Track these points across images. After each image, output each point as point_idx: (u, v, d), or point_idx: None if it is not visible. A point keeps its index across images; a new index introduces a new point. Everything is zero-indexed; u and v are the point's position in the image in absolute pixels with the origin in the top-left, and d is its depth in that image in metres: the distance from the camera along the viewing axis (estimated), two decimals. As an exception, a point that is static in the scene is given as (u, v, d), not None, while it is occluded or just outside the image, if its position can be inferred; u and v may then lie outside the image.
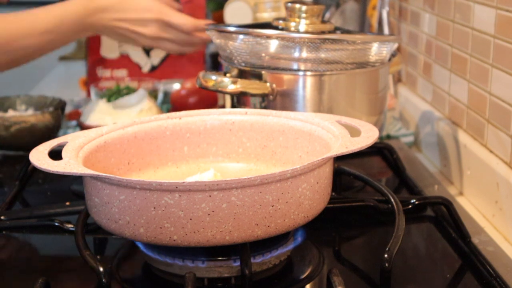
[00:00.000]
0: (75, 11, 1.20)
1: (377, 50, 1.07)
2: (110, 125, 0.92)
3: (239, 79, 1.04)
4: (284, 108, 1.04)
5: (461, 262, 0.88)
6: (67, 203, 1.01)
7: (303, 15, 1.08)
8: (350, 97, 1.06)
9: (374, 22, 1.52)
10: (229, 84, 1.04)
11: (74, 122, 1.46)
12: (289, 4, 1.09)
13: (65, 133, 1.36)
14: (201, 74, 1.06)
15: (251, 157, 0.97)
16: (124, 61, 1.69)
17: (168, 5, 1.30)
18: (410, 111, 1.43)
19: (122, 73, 1.68)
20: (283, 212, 0.77)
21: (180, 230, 0.75)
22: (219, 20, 1.76)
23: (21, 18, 1.20)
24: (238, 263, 0.80)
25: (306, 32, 1.06)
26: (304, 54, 1.03)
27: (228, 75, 1.07)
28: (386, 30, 1.49)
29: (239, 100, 1.09)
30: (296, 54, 1.04)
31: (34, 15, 1.22)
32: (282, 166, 0.94)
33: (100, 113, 1.34)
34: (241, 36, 1.06)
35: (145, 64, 1.69)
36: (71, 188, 1.10)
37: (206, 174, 0.89)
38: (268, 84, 1.04)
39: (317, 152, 0.90)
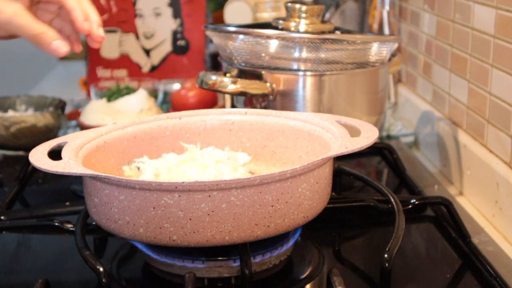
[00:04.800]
0: None
1: (377, 50, 1.07)
2: (110, 125, 0.92)
3: (239, 79, 1.04)
4: (284, 108, 1.04)
5: (461, 262, 0.88)
6: (67, 203, 1.01)
7: (303, 15, 1.08)
8: (350, 97, 1.06)
9: (374, 22, 1.52)
10: (229, 84, 1.04)
11: (74, 122, 1.46)
12: (289, 4, 1.09)
13: (65, 133, 1.36)
14: (201, 74, 1.06)
15: (251, 157, 0.97)
16: (124, 61, 1.69)
17: None
18: (410, 111, 1.43)
19: (122, 73, 1.69)
20: (282, 212, 0.77)
21: (179, 230, 0.75)
22: (219, 20, 1.76)
23: None
24: (238, 263, 0.80)
25: (306, 32, 1.06)
26: (304, 54, 1.03)
27: (228, 75, 1.07)
28: (386, 30, 1.49)
29: (239, 100, 1.09)
30: (296, 54, 1.04)
31: None
32: (282, 166, 0.94)
33: (100, 113, 1.34)
34: (241, 36, 1.06)
35: (145, 64, 1.70)
36: (71, 188, 1.10)
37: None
38: (268, 84, 1.04)
39: (317, 152, 0.90)
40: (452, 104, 1.23)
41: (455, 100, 1.21)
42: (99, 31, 0.91)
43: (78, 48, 0.94)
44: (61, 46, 0.89)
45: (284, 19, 1.09)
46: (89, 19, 0.91)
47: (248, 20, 1.46)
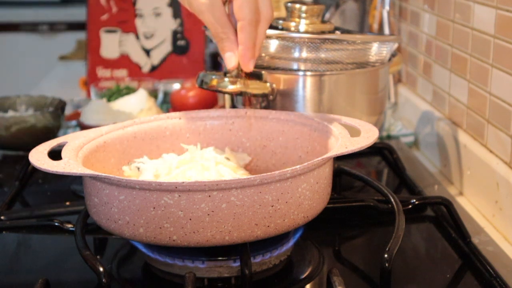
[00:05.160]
0: None
1: (377, 50, 1.07)
2: (110, 125, 0.92)
3: (239, 79, 1.04)
4: (284, 108, 1.04)
5: (461, 262, 0.88)
6: (67, 203, 1.01)
7: (303, 15, 1.08)
8: (350, 97, 1.06)
9: (374, 22, 1.52)
10: (229, 84, 1.03)
11: (74, 122, 1.46)
12: (289, 4, 1.09)
13: (65, 133, 1.36)
14: (201, 74, 1.06)
15: (251, 157, 0.97)
16: (124, 61, 1.69)
17: None
18: (410, 111, 1.43)
19: (122, 73, 1.69)
20: (282, 212, 0.77)
21: (179, 230, 0.75)
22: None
23: None
24: (238, 263, 0.80)
25: (306, 32, 1.06)
26: (304, 54, 1.03)
27: (228, 75, 1.07)
28: (386, 30, 1.49)
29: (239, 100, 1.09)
30: (296, 54, 1.04)
31: None
32: (282, 166, 0.94)
33: (100, 113, 1.34)
34: (241, 36, 1.05)
35: (145, 64, 1.70)
36: (71, 188, 1.10)
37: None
38: (268, 84, 1.04)
39: (317, 152, 0.90)
40: (452, 104, 1.23)
41: (455, 100, 1.21)
42: (249, 65, 0.88)
43: (247, 68, 0.89)
44: (230, 61, 0.88)
45: (284, 19, 1.09)
46: (254, 56, 0.88)
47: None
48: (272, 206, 0.76)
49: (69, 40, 2.63)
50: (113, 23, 1.68)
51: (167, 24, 1.69)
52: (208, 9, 0.85)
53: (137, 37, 1.69)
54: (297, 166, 0.76)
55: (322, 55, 1.03)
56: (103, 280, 0.76)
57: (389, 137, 1.38)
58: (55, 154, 0.81)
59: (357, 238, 0.98)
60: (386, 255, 0.79)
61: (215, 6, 0.85)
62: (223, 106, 1.24)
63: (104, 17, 1.67)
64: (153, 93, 1.52)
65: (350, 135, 0.85)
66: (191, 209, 0.74)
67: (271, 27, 1.09)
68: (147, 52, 1.69)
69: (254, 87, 1.04)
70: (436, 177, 1.18)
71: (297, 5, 1.08)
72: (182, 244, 0.76)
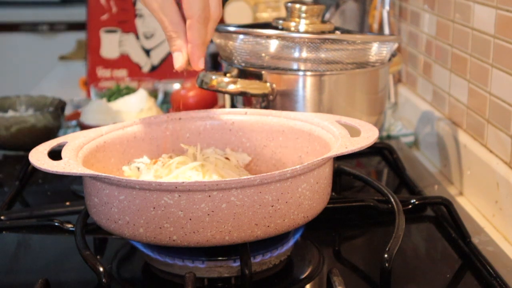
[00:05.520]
0: None
1: (377, 50, 1.07)
2: (110, 125, 0.92)
3: (239, 79, 1.04)
4: (284, 108, 1.04)
5: (461, 262, 0.88)
6: (67, 203, 1.01)
7: (303, 15, 1.08)
8: (350, 97, 1.06)
9: (374, 22, 1.52)
10: (229, 84, 1.04)
11: (74, 122, 1.46)
12: (289, 4, 1.09)
13: (65, 133, 1.36)
14: (201, 74, 1.06)
15: (251, 157, 0.97)
16: (124, 61, 1.69)
17: None
18: (410, 111, 1.43)
19: (122, 73, 1.69)
20: (282, 212, 0.77)
21: (179, 230, 0.75)
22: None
23: None
24: (238, 263, 0.80)
25: (306, 32, 1.06)
26: (304, 54, 1.03)
27: (228, 75, 1.07)
28: (386, 30, 1.49)
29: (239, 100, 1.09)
30: (296, 54, 1.04)
31: None
32: (282, 166, 0.94)
33: (100, 113, 1.34)
34: (241, 36, 1.06)
35: (145, 64, 1.70)
36: (71, 188, 1.10)
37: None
38: (268, 84, 1.04)
39: (317, 152, 0.90)
40: (452, 104, 1.23)
41: (455, 100, 1.21)
42: (199, 64, 0.86)
43: (197, 67, 0.87)
44: (178, 61, 0.86)
45: (284, 19, 1.09)
46: (203, 55, 0.86)
47: (248, 20, 1.46)
48: (272, 206, 0.76)
49: (69, 40, 2.63)
50: (113, 23, 1.68)
51: (167, 24, 1.68)
52: (159, 7, 0.84)
53: (137, 37, 1.69)
54: (297, 166, 0.76)
55: (322, 55, 1.03)
56: (103, 280, 0.76)
57: (389, 137, 1.38)
58: (55, 154, 0.81)
59: (357, 238, 0.98)
60: (386, 255, 0.79)
61: (166, 4, 0.84)
62: (223, 106, 1.24)
63: (104, 17, 1.67)
64: (153, 93, 1.52)
65: (350, 135, 0.85)
66: (191, 209, 0.74)
67: (271, 27, 1.09)
68: (147, 52, 1.69)
69: (254, 87, 1.04)
70: (436, 177, 1.18)
71: (297, 5, 1.08)
72: (182, 244, 0.76)
